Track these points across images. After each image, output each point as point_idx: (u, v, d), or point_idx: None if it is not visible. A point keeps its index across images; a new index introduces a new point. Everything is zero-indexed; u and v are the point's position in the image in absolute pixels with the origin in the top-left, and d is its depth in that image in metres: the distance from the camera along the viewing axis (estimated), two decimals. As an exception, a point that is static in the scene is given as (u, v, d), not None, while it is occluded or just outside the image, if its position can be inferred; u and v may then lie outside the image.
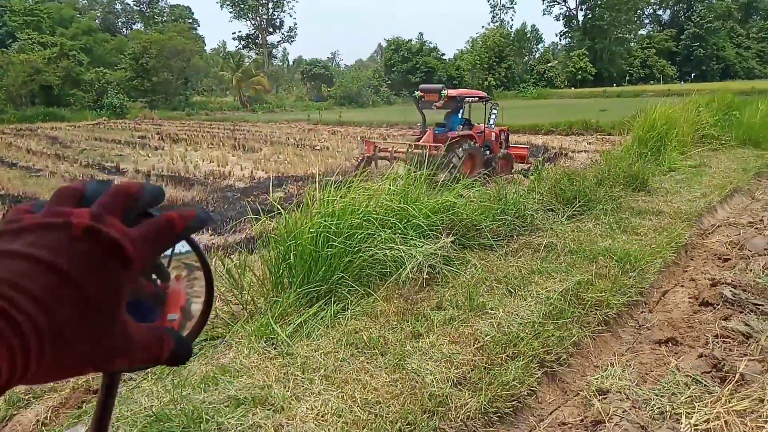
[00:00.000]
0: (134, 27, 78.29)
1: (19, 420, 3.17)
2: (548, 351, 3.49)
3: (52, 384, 3.62)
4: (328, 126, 29.89)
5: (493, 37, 67.67)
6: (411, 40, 70.23)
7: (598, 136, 19.70)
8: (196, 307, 0.53)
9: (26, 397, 3.43)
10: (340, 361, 3.28)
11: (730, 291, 4.32)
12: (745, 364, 3.23)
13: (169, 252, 0.50)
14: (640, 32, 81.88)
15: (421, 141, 10.96)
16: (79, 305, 0.36)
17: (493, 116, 11.54)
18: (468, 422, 2.86)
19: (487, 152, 11.37)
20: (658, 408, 2.94)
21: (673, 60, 75.08)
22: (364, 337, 3.54)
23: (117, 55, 54.44)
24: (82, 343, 0.36)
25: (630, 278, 4.62)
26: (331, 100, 58.49)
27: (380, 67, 72.44)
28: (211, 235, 7.58)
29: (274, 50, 79.62)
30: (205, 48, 71.31)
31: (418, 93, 11.44)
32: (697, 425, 2.75)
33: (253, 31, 75.70)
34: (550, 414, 3.16)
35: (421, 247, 4.60)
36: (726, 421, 2.72)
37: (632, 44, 77.93)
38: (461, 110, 11.34)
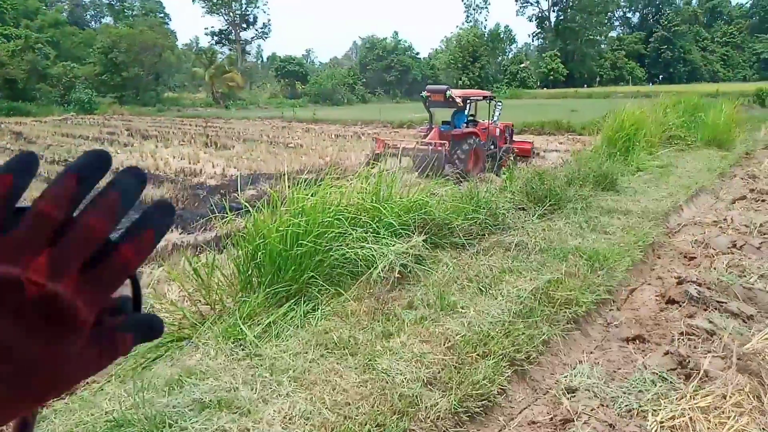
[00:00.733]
0: (103, 20, 76.37)
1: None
2: (518, 349, 3.50)
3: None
4: (302, 123, 29.67)
5: (467, 37, 68.06)
6: (386, 39, 70.35)
7: (569, 136, 20.00)
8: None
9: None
10: (310, 362, 3.23)
11: (695, 289, 4.40)
12: (709, 361, 3.29)
13: None
14: (610, 34, 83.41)
15: (427, 138, 11.47)
16: (22, 379, 0.34)
17: (497, 113, 12.22)
18: (438, 422, 2.84)
19: (492, 147, 12.02)
20: (626, 406, 2.97)
21: (642, 62, 76.67)
22: (335, 338, 3.49)
23: (85, 49, 53.11)
24: (19, 404, 0.35)
25: (599, 277, 4.68)
26: (306, 97, 58.10)
27: (355, 65, 72.28)
28: (180, 233, 7.43)
29: (247, 47, 78.64)
30: (177, 43, 69.85)
31: (425, 93, 12.10)
32: (663, 422, 2.79)
33: (226, 27, 74.57)
34: (520, 413, 3.17)
35: (393, 246, 4.57)
36: (690, 418, 2.76)
37: (603, 46, 79.32)
38: (466, 108, 11.90)
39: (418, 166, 10.76)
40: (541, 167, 8.50)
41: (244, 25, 75.22)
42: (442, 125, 11.99)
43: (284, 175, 5.38)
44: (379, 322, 3.76)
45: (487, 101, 12.45)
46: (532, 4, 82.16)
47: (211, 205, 8.21)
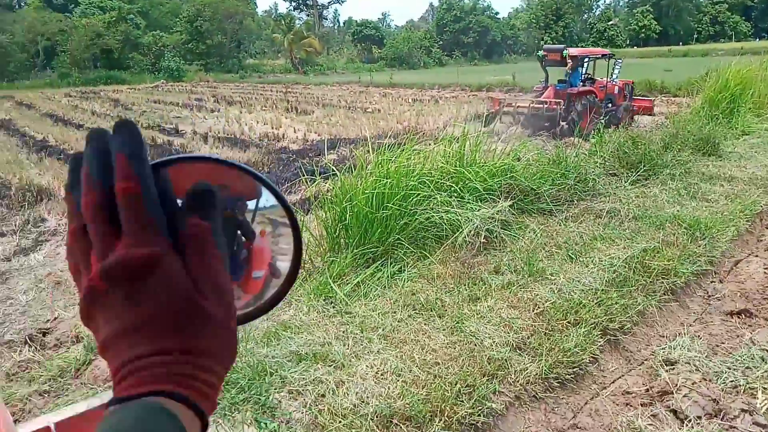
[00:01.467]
0: (188, -10, 79.07)
1: (97, 364, 3.36)
2: (611, 319, 3.39)
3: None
4: (379, 88, 29.61)
5: (551, -6, 64.60)
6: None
7: (663, 98, 18.68)
8: (283, 264, 0.49)
9: (101, 346, 3.63)
10: (398, 321, 3.29)
11: (811, 262, 4.05)
12: (828, 340, 3.04)
13: (253, 206, 0.47)
14: (711, -14, 76.24)
15: (542, 97, 11.68)
16: (201, 320, 0.38)
17: (616, 71, 12.17)
18: (528, 387, 2.83)
19: (609, 105, 11.95)
20: (731, 381, 2.81)
21: (748, 15, 69.62)
22: (421, 299, 3.53)
23: (172, 18, 55.27)
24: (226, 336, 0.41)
25: (699, 246, 4.41)
26: (382, 61, 57.75)
27: (432, 28, 70.71)
28: (266, 196, 7.70)
29: (324, 11, 78.94)
30: (257, 10, 71.35)
31: (541, 52, 12.33)
32: (773, 401, 2.62)
33: (304, -8, 75.06)
34: (613, 382, 3.08)
35: (478, 210, 4.51)
36: (806, 398, 2.58)
37: (702, -1, 72.80)
38: (584, 67, 12.04)
39: (533, 124, 11.30)
40: (634, 131, 8.03)
41: (322, -10, 75.27)
42: (558, 84, 12.01)
43: (365, 139, 5.42)
44: (465, 285, 3.76)
45: (606, 59, 12.34)
46: (623, -45, 76.45)
47: (295, 169, 8.44)
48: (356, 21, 70.53)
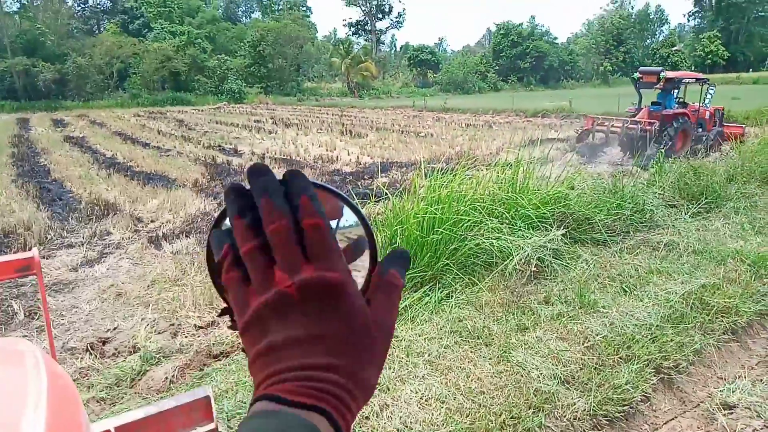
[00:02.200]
0: (253, 15, 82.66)
1: (152, 375, 3.51)
2: (666, 357, 3.27)
3: (178, 345, 3.99)
4: (433, 113, 29.79)
5: (612, 19, 63.59)
6: (522, 24, 67.84)
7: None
8: (359, 279, 0.54)
9: (157, 356, 3.80)
10: (444, 347, 3.29)
11: None
12: None
13: (334, 225, 0.52)
14: (785, 11, 72.95)
15: (637, 117, 11.98)
16: (354, 347, 0.41)
17: (708, 96, 12.33)
18: (575, 422, 2.76)
19: (700, 130, 12.19)
20: (796, 430, 2.66)
21: (825, 42, 66.14)
22: (468, 326, 3.52)
23: (237, 42, 57.73)
24: (369, 370, 0.42)
25: (764, 284, 4.20)
26: (437, 86, 58.18)
27: (488, 53, 70.76)
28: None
29: (382, 36, 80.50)
30: (317, 35, 73.66)
31: (637, 74, 12.58)
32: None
33: (363, 18, 76.91)
34: (666, 423, 2.97)
35: (530, 238, 4.47)
36: None
37: (774, 24, 69.69)
38: (677, 90, 12.29)
39: (625, 144, 11.60)
40: (696, 161, 7.76)
41: (380, 15, 76.91)
42: (651, 105, 12.20)
43: (416, 164, 5.48)
44: (513, 314, 3.72)
45: (700, 84, 12.45)
46: (689, -20, 74.42)
47: (347, 191, 8.60)
48: (413, 46, 71.49)
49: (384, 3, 76.77)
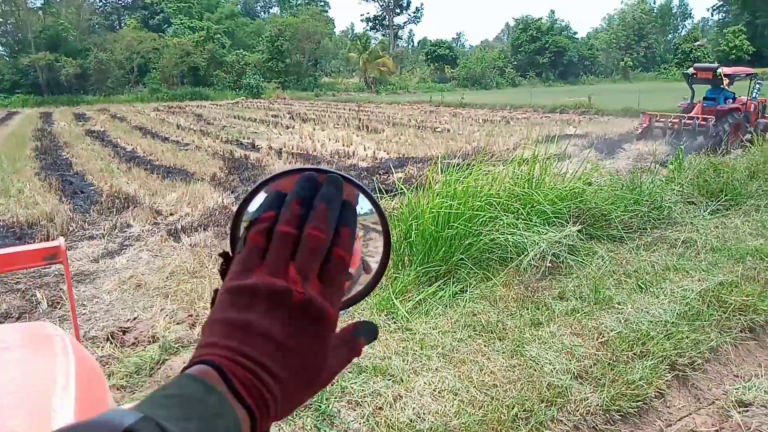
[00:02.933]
0: (271, 11, 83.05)
1: (170, 365, 3.59)
2: (681, 354, 3.26)
3: (196, 336, 4.07)
4: (450, 108, 29.69)
5: (633, 14, 62.65)
6: (541, 19, 67.16)
7: (753, 124, 17.59)
8: (374, 263, 0.57)
9: (176, 346, 3.88)
10: (458, 341, 3.32)
11: None
12: None
13: None
14: (813, 5, 71.14)
15: (693, 113, 12.33)
16: (301, 373, 0.42)
17: (756, 90, 12.68)
18: (588, 417, 2.77)
19: (746, 123, 12.38)
20: (812, 429, 2.64)
21: None
22: (482, 320, 3.54)
23: (255, 38, 58.14)
24: (301, 396, 0.44)
25: (784, 283, 4.14)
26: (454, 81, 57.92)
27: (506, 48, 70.25)
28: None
29: (399, 31, 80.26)
30: (334, 30, 73.76)
31: (691, 70, 13.01)
32: None
33: (380, 13, 76.75)
34: (680, 420, 2.96)
35: (545, 234, 4.47)
36: None
37: (802, 19, 68.00)
38: (731, 85, 12.53)
39: (683, 138, 11.75)
40: (716, 157, 7.66)
41: (398, 10, 76.70)
42: (704, 101, 12.57)
43: (432, 159, 5.49)
44: (528, 309, 3.73)
45: (748, 78, 12.90)
46: (713, -27, 73.00)
47: (364, 186, 8.62)
48: (430, 41, 71.21)
49: (402, -2, 76.54)
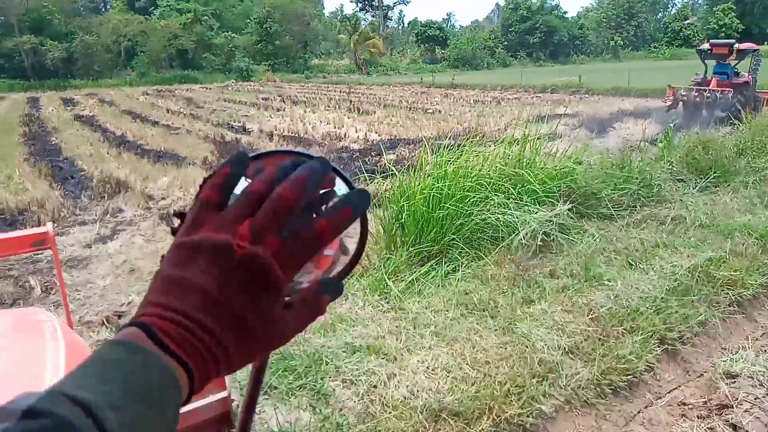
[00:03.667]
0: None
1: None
2: (670, 328, 3.31)
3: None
4: (441, 89, 29.56)
5: (624, -8, 62.24)
6: (531, -2, 66.63)
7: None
8: (351, 245, 0.59)
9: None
10: (450, 319, 3.35)
11: None
12: None
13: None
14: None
15: (710, 87, 13.24)
16: (242, 331, 0.41)
17: (757, 66, 13.86)
18: (579, 391, 2.82)
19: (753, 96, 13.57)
20: (797, 398, 2.70)
21: (844, 13, 64.45)
22: (474, 299, 3.57)
23: (244, 20, 57.29)
24: (245, 354, 0.42)
25: (771, 258, 4.21)
26: (445, 62, 57.56)
27: (497, 28, 69.74)
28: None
29: (389, 12, 79.41)
30: (324, 11, 72.82)
31: (706, 46, 14.17)
32: (842, 421, 2.50)
33: (370, -7, 75.79)
34: (669, 393, 3.02)
35: (536, 213, 4.49)
36: None
37: (792, -5, 67.90)
38: (740, 61, 13.72)
39: (706, 111, 12.83)
40: (704, 135, 7.69)
41: (387, -10, 75.75)
42: (718, 75, 13.59)
43: (423, 140, 5.48)
44: (519, 287, 3.77)
45: (752, 55, 13.96)
46: (704, -50, 72.50)
47: (356, 168, 8.62)
48: (421, 21, 70.54)
49: (392, -23, 75.57)
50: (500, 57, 59.20)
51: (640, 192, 5.40)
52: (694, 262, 4.03)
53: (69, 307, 2.01)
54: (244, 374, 2.87)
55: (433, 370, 2.82)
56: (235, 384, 2.69)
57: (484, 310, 3.47)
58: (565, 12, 68.14)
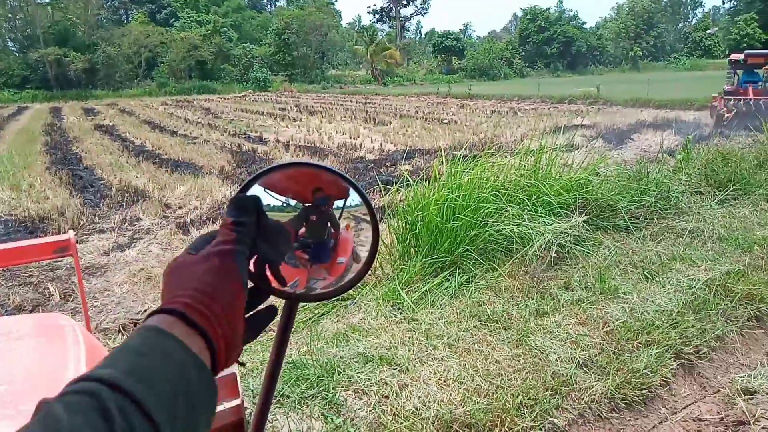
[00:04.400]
0: (278, 4, 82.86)
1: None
2: (686, 343, 3.27)
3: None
4: (457, 100, 29.60)
5: (643, 2, 61.89)
6: (549, 9, 66.58)
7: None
8: (363, 253, 0.61)
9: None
10: (463, 331, 3.34)
11: None
12: None
13: (341, 205, 0.59)
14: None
15: (750, 95, 13.82)
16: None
17: None
18: (592, 405, 2.79)
19: None
20: (817, 416, 2.64)
21: None
22: (488, 311, 3.56)
23: (262, 31, 58.08)
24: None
25: (792, 272, 4.13)
26: (462, 72, 57.64)
27: (514, 38, 69.70)
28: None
29: (407, 23, 79.88)
30: (341, 22, 73.50)
31: (741, 56, 14.77)
32: None
33: (387, 4, 76.37)
34: (685, 408, 2.97)
35: (551, 225, 4.47)
36: None
37: (816, 6, 66.83)
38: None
39: (751, 118, 12.58)
40: (724, 147, 7.60)
41: (405, 2, 76.29)
42: (753, 85, 14.25)
43: (439, 151, 5.50)
44: (533, 299, 3.75)
45: None
46: (724, -40, 71.81)
47: (371, 178, 8.66)
48: (438, 32, 70.80)
49: (409, -11, 76.06)
50: (517, 67, 59.17)
51: (658, 204, 5.35)
52: (711, 275, 3.98)
53: (88, 312, 2.05)
54: (256, 382, 2.89)
55: (445, 381, 2.82)
56: (248, 392, 2.72)
57: (497, 322, 3.46)
58: (584, 22, 68.04)
